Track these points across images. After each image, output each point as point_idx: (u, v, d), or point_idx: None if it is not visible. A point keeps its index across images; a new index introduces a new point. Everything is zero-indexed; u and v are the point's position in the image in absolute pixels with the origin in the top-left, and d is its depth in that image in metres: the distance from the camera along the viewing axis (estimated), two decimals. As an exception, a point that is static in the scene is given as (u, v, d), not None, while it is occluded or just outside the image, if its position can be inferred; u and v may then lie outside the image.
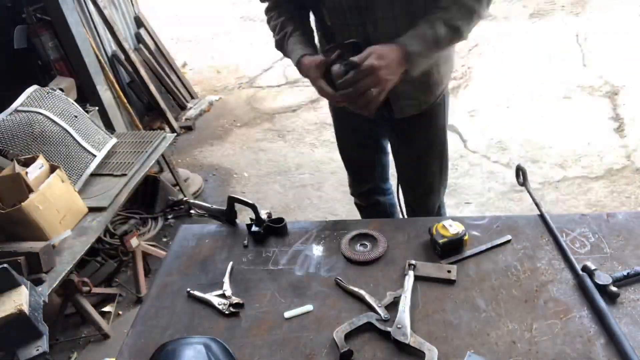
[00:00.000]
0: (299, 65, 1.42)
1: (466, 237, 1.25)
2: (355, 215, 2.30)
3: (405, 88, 1.53)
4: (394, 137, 1.82)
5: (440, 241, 1.24)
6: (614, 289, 1.08)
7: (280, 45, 1.52)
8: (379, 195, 2.12)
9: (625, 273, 1.11)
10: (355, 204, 2.23)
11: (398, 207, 2.09)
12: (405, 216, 2.11)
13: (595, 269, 1.12)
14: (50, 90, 2.58)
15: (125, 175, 2.57)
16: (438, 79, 1.58)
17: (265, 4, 1.58)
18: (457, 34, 1.32)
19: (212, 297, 1.23)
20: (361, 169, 2.03)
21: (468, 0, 1.29)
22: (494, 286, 1.16)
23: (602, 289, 1.09)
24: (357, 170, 2.05)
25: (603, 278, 1.10)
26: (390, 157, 1.96)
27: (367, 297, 1.15)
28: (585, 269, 1.14)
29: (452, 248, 1.25)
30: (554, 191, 3.04)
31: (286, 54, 1.50)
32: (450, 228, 1.25)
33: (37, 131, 2.39)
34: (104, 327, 2.44)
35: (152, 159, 2.75)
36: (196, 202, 1.57)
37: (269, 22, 1.57)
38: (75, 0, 3.44)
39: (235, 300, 1.20)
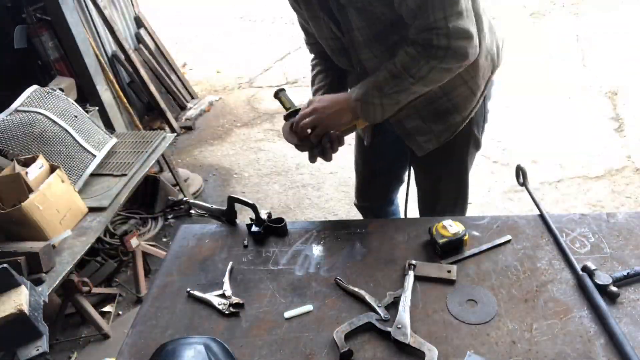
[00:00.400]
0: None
1: (466, 237, 1.25)
2: (356, 215, 2.30)
3: (414, 124, 1.50)
4: (414, 165, 1.77)
5: (440, 241, 1.24)
6: (614, 289, 1.08)
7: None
8: (383, 210, 2.08)
9: (625, 273, 1.11)
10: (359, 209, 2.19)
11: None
12: None
13: (595, 269, 1.12)
14: (50, 90, 2.58)
15: (125, 175, 2.57)
16: (451, 108, 1.48)
17: (311, 56, 1.65)
18: (399, 79, 1.25)
19: (212, 297, 1.23)
20: (370, 188, 1.98)
21: (416, 46, 1.22)
22: (494, 286, 1.16)
23: (602, 289, 1.09)
24: (366, 188, 1.99)
25: (603, 278, 1.10)
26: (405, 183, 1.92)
27: (367, 297, 1.15)
28: (585, 269, 1.14)
29: (452, 248, 1.25)
30: (554, 191, 3.04)
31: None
32: (450, 228, 1.26)
33: (37, 131, 2.39)
34: (104, 327, 2.44)
35: (152, 159, 2.75)
36: (196, 202, 1.57)
37: (311, 68, 1.63)
38: (75, 0, 3.44)
39: (235, 300, 1.20)
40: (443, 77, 1.28)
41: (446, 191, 1.73)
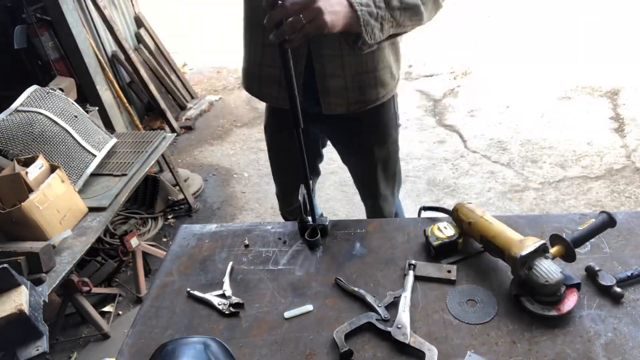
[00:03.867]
0: None
1: (460, 241, 1.25)
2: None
3: (337, 85, 1.50)
4: (327, 137, 1.81)
5: (435, 243, 1.24)
6: (617, 289, 1.08)
7: None
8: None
9: (629, 274, 1.11)
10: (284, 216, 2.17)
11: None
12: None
13: (599, 270, 1.12)
14: (50, 90, 2.58)
15: (125, 175, 2.58)
16: (373, 82, 1.53)
17: None
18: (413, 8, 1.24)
19: (212, 297, 1.23)
20: (294, 188, 1.93)
21: None
22: (493, 286, 1.16)
23: (606, 289, 1.09)
24: (289, 188, 1.94)
25: (607, 279, 1.10)
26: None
27: (367, 297, 1.15)
28: (589, 269, 1.14)
29: (446, 250, 1.25)
30: (554, 191, 3.05)
31: None
32: (445, 230, 1.26)
33: (37, 131, 2.39)
34: (104, 327, 2.44)
35: (152, 159, 2.75)
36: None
37: None
38: (75, 0, 3.44)
39: (235, 300, 1.20)
40: (420, 23, 1.32)
41: (370, 164, 1.76)
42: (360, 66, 1.49)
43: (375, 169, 1.78)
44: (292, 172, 1.77)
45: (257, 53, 1.57)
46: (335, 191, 3.31)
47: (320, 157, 1.98)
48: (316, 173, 2.04)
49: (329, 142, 1.91)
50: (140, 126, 4.03)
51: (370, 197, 1.91)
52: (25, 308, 1.28)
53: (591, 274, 1.13)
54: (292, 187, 1.74)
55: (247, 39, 1.59)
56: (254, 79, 1.62)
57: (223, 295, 1.23)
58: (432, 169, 3.40)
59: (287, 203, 2.03)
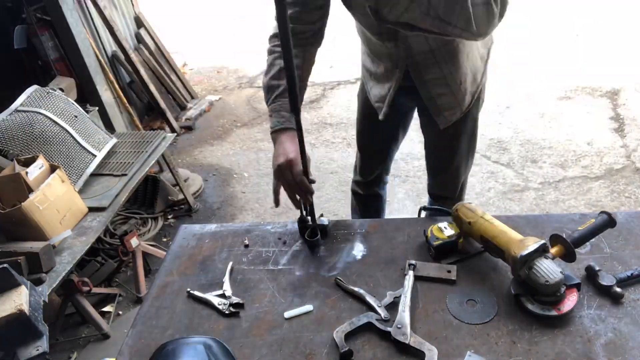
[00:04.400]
0: (275, 135, 1.33)
1: (460, 240, 1.25)
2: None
3: (446, 100, 1.61)
4: (425, 127, 1.87)
5: (434, 243, 1.24)
6: (617, 289, 1.08)
7: (266, 90, 1.39)
8: (379, 187, 2.21)
9: (629, 274, 1.11)
10: (353, 191, 2.26)
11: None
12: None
13: (599, 270, 1.12)
14: (50, 90, 2.58)
15: (125, 175, 2.58)
16: (474, 86, 1.64)
17: (272, 31, 1.42)
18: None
19: (212, 297, 1.23)
20: (372, 158, 2.08)
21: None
22: (494, 286, 1.16)
23: (606, 289, 1.09)
24: (369, 157, 2.09)
25: (607, 279, 1.10)
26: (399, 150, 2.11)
27: (367, 297, 1.15)
28: (589, 269, 1.14)
29: (446, 251, 1.25)
30: (554, 191, 3.05)
31: (267, 102, 1.39)
32: (445, 231, 1.26)
33: (37, 131, 2.39)
34: (104, 327, 2.44)
35: (152, 159, 2.75)
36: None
37: (269, 52, 1.42)
38: (75, 0, 3.44)
39: (235, 300, 1.20)
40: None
41: (461, 147, 1.82)
42: (462, 78, 1.57)
43: (469, 144, 1.83)
44: (377, 142, 1.98)
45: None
46: (335, 191, 3.31)
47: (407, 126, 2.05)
48: (399, 141, 2.10)
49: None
50: (140, 126, 4.03)
51: (452, 174, 1.93)
52: (25, 308, 1.28)
53: (591, 274, 1.13)
54: (373, 157, 2.05)
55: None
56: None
57: (223, 295, 1.23)
58: (432, 169, 3.39)
59: (366, 173, 2.13)
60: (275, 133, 1.34)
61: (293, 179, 1.28)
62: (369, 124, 1.94)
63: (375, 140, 2.01)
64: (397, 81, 1.60)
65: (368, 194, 2.20)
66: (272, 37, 1.43)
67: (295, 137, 1.26)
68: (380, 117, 1.75)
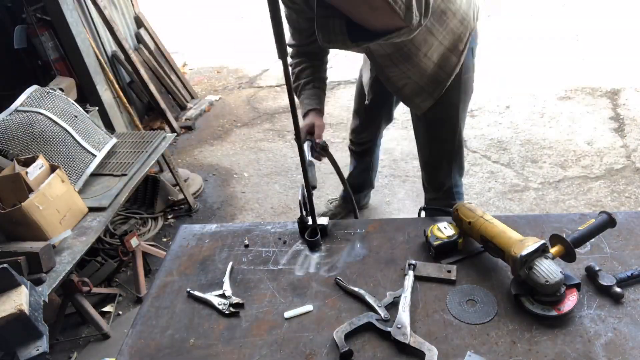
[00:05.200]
0: (306, 114, 1.78)
1: (460, 240, 1.25)
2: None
3: (411, 89, 1.77)
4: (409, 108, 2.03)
5: (435, 243, 1.24)
6: (617, 289, 1.08)
7: (294, 89, 1.83)
8: (374, 145, 2.59)
9: (629, 274, 1.11)
10: (350, 149, 2.66)
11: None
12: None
13: (599, 270, 1.12)
14: (50, 90, 2.58)
15: (125, 175, 2.57)
16: (443, 74, 1.74)
17: (290, 50, 1.81)
18: None
19: (212, 297, 1.23)
20: (371, 120, 2.41)
21: None
22: (493, 286, 1.16)
23: (606, 289, 1.09)
24: (367, 118, 2.39)
25: (607, 279, 1.10)
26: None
27: (367, 297, 1.15)
28: (589, 269, 1.14)
29: (446, 250, 1.25)
30: (554, 191, 3.04)
31: (297, 97, 1.82)
32: (445, 230, 1.26)
33: (37, 131, 2.38)
34: (104, 327, 2.43)
35: (152, 159, 2.75)
36: None
37: (292, 66, 1.86)
38: (75, 0, 3.44)
39: (235, 300, 1.20)
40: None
41: (440, 133, 1.96)
42: (428, 72, 1.73)
43: (452, 138, 1.96)
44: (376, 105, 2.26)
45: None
46: (336, 191, 3.31)
47: (393, 107, 2.44)
48: (390, 119, 2.53)
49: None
50: (140, 126, 4.03)
51: (433, 167, 2.15)
52: (25, 308, 1.28)
53: (591, 274, 1.13)
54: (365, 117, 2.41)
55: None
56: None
57: (223, 295, 1.23)
58: (432, 169, 3.39)
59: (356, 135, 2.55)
60: (307, 113, 1.79)
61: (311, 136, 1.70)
62: (361, 102, 2.33)
63: (375, 106, 2.29)
64: (373, 72, 1.99)
65: (362, 150, 2.60)
66: (291, 56, 1.84)
67: (319, 113, 1.79)
68: (366, 101, 2.16)
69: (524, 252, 1.05)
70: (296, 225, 1.41)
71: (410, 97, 1.82)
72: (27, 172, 2.07)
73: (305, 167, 1.31)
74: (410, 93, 1.81)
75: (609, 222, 1.16)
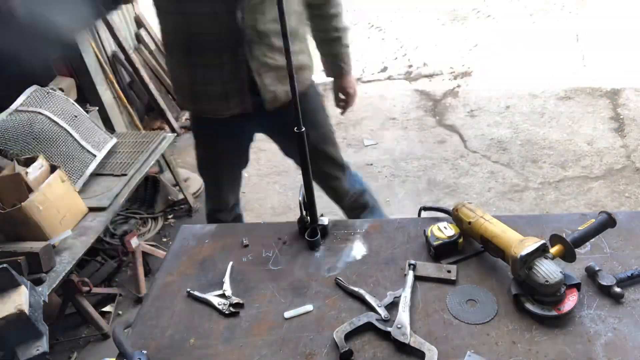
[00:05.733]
0: None
1: (460, 241, 1.25)
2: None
3: (270, 75, 1.67)
4: (272, 134, 2.06)
5: (435, 243, 1.24)
6: (617, 289, 1.08)
7: None
8: (238, 208, 2.20)
9: (629, 274, 1.11)
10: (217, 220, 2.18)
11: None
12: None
13: (599, 270, 1.12)
14: (50, 90, 2.58)
15: (125, 175, 2.57)
16: (301, 65, 1.75)
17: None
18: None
19: (212, 297, 1.23)
20: (230, 182, 2.09)
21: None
22: (493, 286, 1.16)
23: (606, 289, 1.09)
24: (225, 183, 2.08)
25: (607, 279, 1.10)
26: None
27: (367, 297, 1.15)
28: (589, 269, 1.14)
29: (446, 251, 1.25)
30: (554, 191, 3.04)
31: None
32: (445, 230, 1.26)
33: (37, 131, 2.38)
34: (104, 327, 2.44)
35: (152, 159, 2.75)
36: None
37: None
38: (75, 0, 3.43)
39: (235, 300, 1.20)
40: None
41: (323, 138, 1.97)
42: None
43: (316, 150, 1.87)
44: (222, 165, 2.01)
45: (188, 74, 1.71)
46: (335, 191, 3.31)
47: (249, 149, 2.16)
48: (247, 161, 2.20)
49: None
50: (140, 126, 4.02)
51: (324, 178, 2.10)
52: (25, 308, 1.27)
53: (591, 274, 1.13)
54: (221, 181, 2.04)
55: (174, 63, 1.76)
56: (188, 98, 1.78)
57: (223, 295, 1.23)
58: (432, 169, 3.39)
59: (217, 199, 2.14)
60: None
61: None
62: (214, 150, 2.06)
63: (226, 166, 2.10)
64: None
65: (233, 218, 2.19)
66: None
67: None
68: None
69: (524, 252, 1.05)
70: (296, 225, 1.41)
71: (267, 86, 1.75)
72: (27, 172, 2.07)
73: (306, 162, 1.31)
74: (268, 82, 1.74)
75: (609, 222, 1.16)
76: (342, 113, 2.12)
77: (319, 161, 1.93)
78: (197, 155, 2.05)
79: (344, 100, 2.04)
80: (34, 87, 2.53)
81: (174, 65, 1.76)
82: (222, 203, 2.09)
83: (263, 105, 1.71)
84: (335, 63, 1.93)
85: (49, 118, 2.45)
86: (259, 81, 1.66)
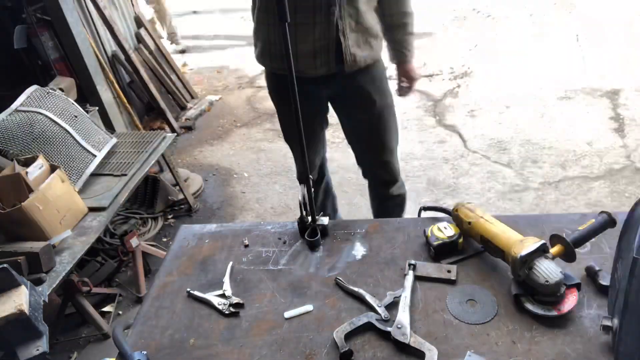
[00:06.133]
0: None
1: (461, 241, 1.25)
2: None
3: (352, 37, 1.77)
4: (343, 100, 2.02)
5: (435, 243, 1.24)
6: (617, 289, 1.08)
7: None
8: (325, 174, 2.42)
9: (628, 274, 1.11)
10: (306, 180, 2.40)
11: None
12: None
13: (599, 270, 1.12)
14: (50, 90, 2.58)
15: (125, 175, 2.58)
16: (378, 34, 1.85)
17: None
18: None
19: (212, 297, 1.23)
20: (314, 144, 2.21)
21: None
22: (493, 286, 1.16)
23: (606, 289, 1.09)
24: (309, 145, 2.21)
25: (607, 279, 1.10)
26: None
27: (367, 297, 1.15)
28: (589, 269, 1.14)
29: (446, 250, 1.25)
30: (554, 191, 3.04)
31: None
32: (445, 231, 1.26)
33: (37, 131, 2.38)
34: (104, 327, 2.44)
35: (152, 159, 2.76)
36: None
37: None
38: (75, 0, 3.44)
39: (235, 300, 1.20)
40: None
41: (388, 115, 2.03)
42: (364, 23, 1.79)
43: (380, 117, 2.00)
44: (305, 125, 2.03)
45: (269, 33, 1.84)
46: (335, 191, 3.31)
47: (327, 111, 2.21)
48: (326, 123, 2.28)
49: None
50: (140, 126, 4.03)
51: (374, 151, 2.12)
52: (25, 308, 1.27)
53: (591, 274, 1.13)
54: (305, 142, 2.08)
55: (268, 23, 1.84)
56: (278, 57, 1.87)
57: (223, 295, 1.23)
58: (432, 169, 3.40)
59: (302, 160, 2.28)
60: None
61: None
62: (290, 126, 2.18)
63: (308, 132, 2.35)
64: None
65: (319, 180, 2.44)
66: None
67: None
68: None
69: (524, 252, 1.05)
70: (296, 225, 1.41)
71: (349, 47, 1.84)
72: (27, 172, 2.07)
73: (305, 158, 1.30)
74: (352, 43, 1.83)
75: (609, 222, 1.16)
76: (403, 96, 2.18)
77: (380, 131, 2.03)
78: (280, 121, 2.19)
79: (407, 86, 2.11)
80: (34, 87, 2.53)
81: (268, 25, 1.83)
82: (308, 164, 2.18)
83: (343, 68, 1.81)
84: (400, 50, 1.99)
85: (49, 118, 2.45)
86: (344, 42, 1.76)
